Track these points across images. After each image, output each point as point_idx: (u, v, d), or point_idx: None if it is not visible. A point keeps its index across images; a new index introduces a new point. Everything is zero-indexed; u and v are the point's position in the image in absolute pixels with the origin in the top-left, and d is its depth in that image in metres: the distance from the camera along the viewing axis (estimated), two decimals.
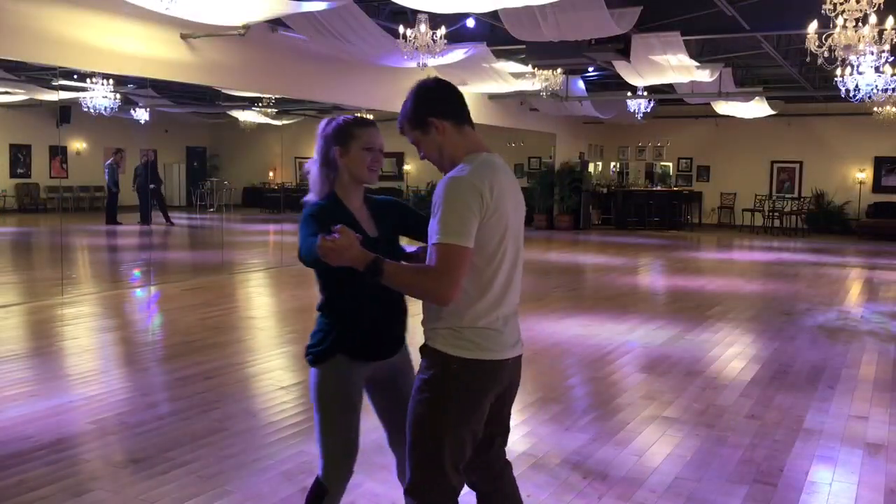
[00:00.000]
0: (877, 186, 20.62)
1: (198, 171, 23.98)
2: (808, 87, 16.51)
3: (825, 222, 20.70)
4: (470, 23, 11.13)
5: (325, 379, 2.79)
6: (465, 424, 2.51)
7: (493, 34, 11.73)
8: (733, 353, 7.15)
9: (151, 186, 19.14)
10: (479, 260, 2.45)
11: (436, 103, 2.56)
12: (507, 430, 2.77)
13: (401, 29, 9.52)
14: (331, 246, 2.36)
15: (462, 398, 2.50)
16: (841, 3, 7.54)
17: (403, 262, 2.59)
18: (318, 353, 2.79)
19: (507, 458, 2.83)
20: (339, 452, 2.82)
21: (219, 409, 5.19)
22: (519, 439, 4.74)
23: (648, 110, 17.69)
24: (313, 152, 2.85)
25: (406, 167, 24.81)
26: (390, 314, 2.84)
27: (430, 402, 2.51)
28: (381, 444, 4.56)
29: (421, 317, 2.62)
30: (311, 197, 2.82)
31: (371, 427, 4.85)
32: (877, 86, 10.77)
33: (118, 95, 15.23)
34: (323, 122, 2.84)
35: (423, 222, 2.66)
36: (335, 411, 2.80)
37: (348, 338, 2.76)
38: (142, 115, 17.47)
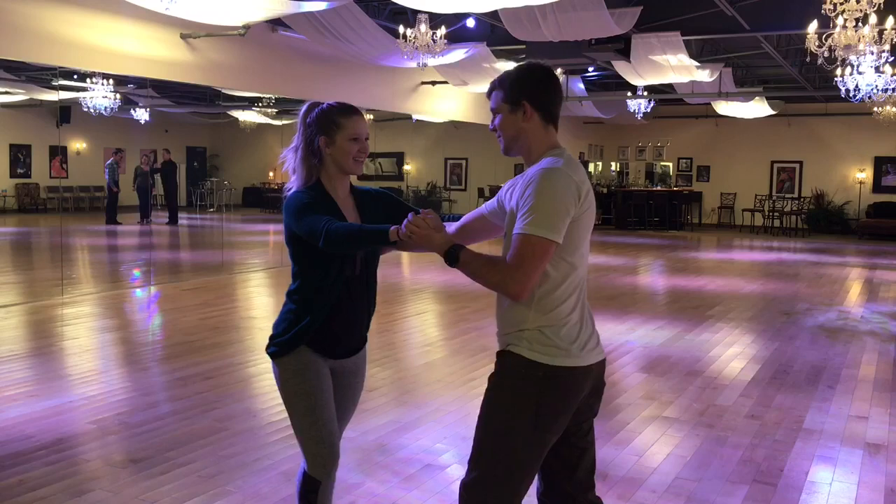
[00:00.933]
0: (877, 186, 20.62)
1: (198, 171, 23.96)
2: (808, 87, 16.52)
3: (825, 222, 20.71)
4: (470, 23, 11.13)
5: (291, 371, 2.70)
6: (545, 433, 2.37)
7: (493, 34, 11.74)
8: (733, 353, 7.15)
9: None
10: (570, 257, 2.36)
11: (538, 91, 2.46)
12: (590, 446, 2.56)
13: (401, 29, 9.52)
14: (421, 224, 2.33)
15: (544, 406, 2.35)
16: (841, 3, 7.54)
17: (481, 252, 2.41)
18: (283, 342, 2.70)
19: (595, 493, 2.60)
20: (322, 444, 2.70)
21: (219, 409, 5.19)
22: None
23: (648, 110, 17.69)
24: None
25: (406, 167, 24.81)
26: (357, 314, 2.76)
27: (508, 409, 2.36)
28: (382, 443, 4.57)
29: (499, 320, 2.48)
30: (293, 185, 2.72)
31: (371, 427, 4.86)
32: (877, 86, 10.77)
33: (118, 95, 15.23)
34: (304, 107, 2.73)
35: (407, 211, 2.63)
36: (306, 405, 2.70)
37: (314, 330, 2.68)
38: (142, 115, 17.48)
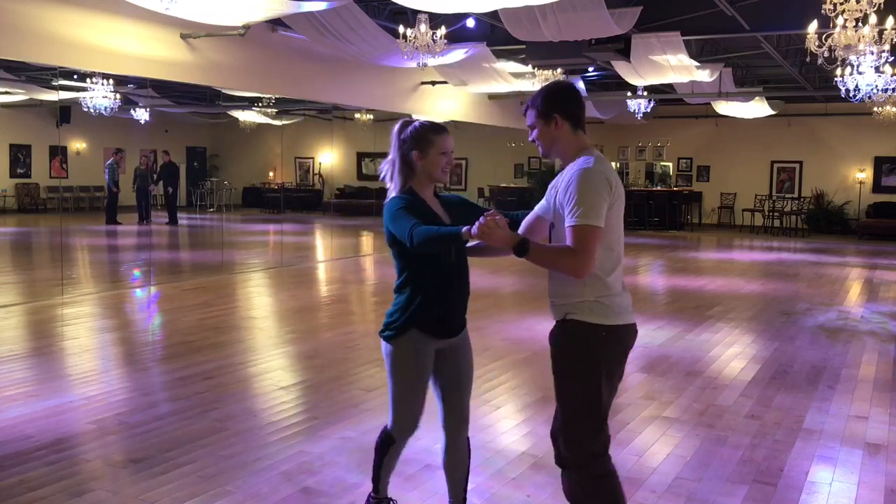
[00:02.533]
0: (877, 186, 20.61)
1: (198, 171, 23.99)
2: (808, 87, 16.51)
3: (825, 222, 20.70)
4: (470, 23, 11.13)
5: (400, 352, 3.15)
6: (610, 381, 2.94)
7: (493, 34, 11.73)
8: (733, 353, 7.15)
9: (170, 190, 19.28)
10: (609, 239, 2.86)
11: (564, 104, 2.99)
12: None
13: (401, 29, 9.52)
14: (491, 224, 2.72)
15: (611, 359, 2.92)
16: (841, 3, 7.54)
17: (544, 244, 2.95)
18: (396, 326, 3.15)
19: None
20: (409, 416, 3.23)
21: (219, 409, 5.19)
22: (519, 439, 4.74)
23: (648, 110, 17.68)
24: (389, 150, 3.20)
25: None
26: (460, 297, 3.21)
27: (582, 367, 2.89)
28: None
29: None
30: (392, 191, 3.19)
31: (371, 427, 4.86)
32: (877, 86, 10.76)
33: (118, 95, 15.23)
34: (397, 126, 3.19)
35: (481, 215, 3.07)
36: (408, 381, 3.18)
37: (423, 315, 3.11)
38: (142, 115, 17.48)
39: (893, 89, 11.20)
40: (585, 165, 2.86)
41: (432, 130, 3.15)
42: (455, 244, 2.97)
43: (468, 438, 3.38)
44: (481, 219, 2.75)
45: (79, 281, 10.97)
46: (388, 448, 3.33)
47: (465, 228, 2.78)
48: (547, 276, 3.04)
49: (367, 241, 18.02)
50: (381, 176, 3.24)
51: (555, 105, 2.99)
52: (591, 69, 15.66)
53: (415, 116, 3.25)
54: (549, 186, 3.05)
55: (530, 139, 3.09)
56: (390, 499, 3.46)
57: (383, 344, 3.21)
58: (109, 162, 18.29)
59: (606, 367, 2.92)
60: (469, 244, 3.08)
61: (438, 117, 16.86)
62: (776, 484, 4.15)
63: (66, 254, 13.30)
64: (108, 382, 5.82)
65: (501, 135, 21.00)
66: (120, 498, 3.79)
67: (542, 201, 3.08)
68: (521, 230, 3.13)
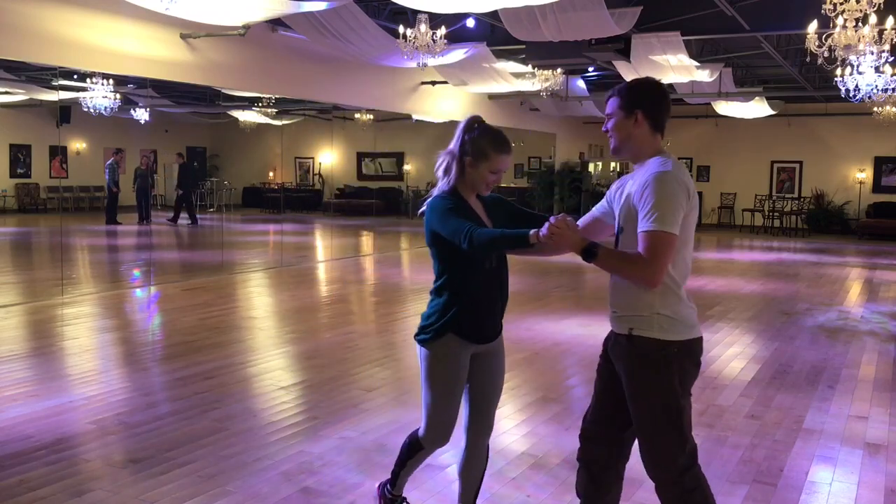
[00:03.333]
0: (877, 186, 20.62)
1: (198, 171, 24.00)
2: (808, 87, 16.51)
3: (825, 222, 20.70)
4: (470, 23, 11.12)
5: (437, 356, 3.09)
6: (687, 395, 2.88)
7: (493, 34, 11.73)
8: (733, 353, 7.15)
9: (179, 192, 19.37)
10: (683, 249, 2.78)
11: (651, 102, 2.85)
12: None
13: (401, 29, 9.51)
14: (562, 226, 2.66)
15: (684, 374, 2.85)
16: (841, 3, 7.54)
17: (614, 248, 2.85)
18: (433, 330, 3.08)
19: None
20: (442, 423, 3.15)
21: (219, 409, 5.19)
22: (519, 439, 4.74)
23: None
24: (450, 143, 3.09)
25: (406, 167, 24.82)
26: (496, 302, 3.13)
27: (659, 387, 2.80)
28: (382, 443, 4.57)
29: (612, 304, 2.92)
30: (440, 187, 3.09)
31: (371, 427, 4.86)
32: (877, 86, 10.76)
33: (118, 95, 15.21)
34: (466, 121, 3.08)
35: (524, 215, 3.19)
36: (443, 387, 3.11)
37: (460, 318, 3.04)
38: (142, 115, 17.46)
39: (893, 89, 11.20)
40: (664, 169, 2.73)
41: (493, 146, 3.04)
42: (521, 247, 2.86)
43: (488, 447, 3.34)
44: (552, 219, 2.70)
45: (79, 281, 10.96)
46: (414, 453, 3.28)
47: (532, 231, 2.72)
48: (609, 280, 2.95)
49: (367, 241, 18.01)
50: (437, 165, 3.13)
51: (640, 101, 2.85)
52: (591, 69, 15.66)
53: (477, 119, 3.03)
54: (614, 186, 2.95)
55: (604, 129, 2.95)
56: (404, 498, 3.46)
57: (419, 348, 3.15)
58: (109, 162, 18.28)
59: (681, 382, 2.84)
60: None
61: (438, 117, 16.90)
62: (776, 484, 4.15)
63: (66, 254, 13.30)
64: (108, 382, 5.82)
65: None
66: (120, 498, 3.79)
67: (602, 202, 2.99)
68: (581, 225, 3.04)
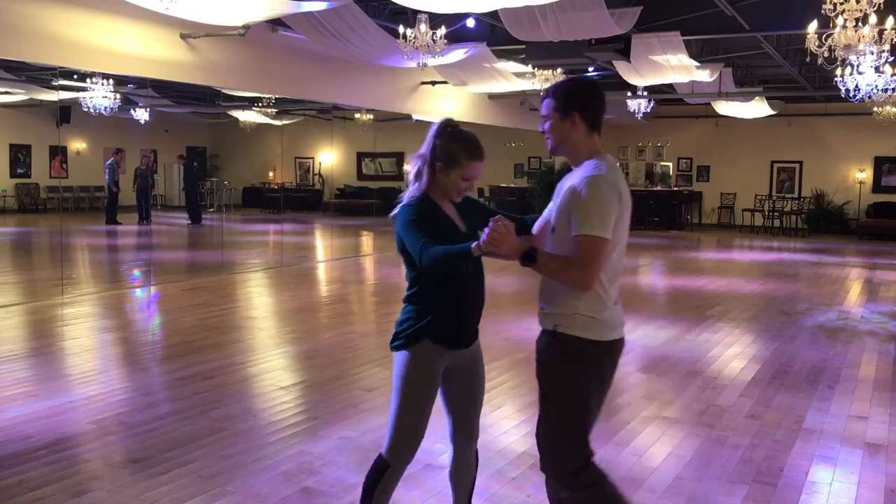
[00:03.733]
0: (877, 186, 20.60)
1: (198, 172, 24.03)
2: (808, 87, 16.51)
3: (825, 222, 20.69)
4: (470, 23, 11.12)
5: (411, 363, 2.96)
6: (598, 397, 2.88)
7: (493, 34, 11.73)
8: (733, 353, 7.15)
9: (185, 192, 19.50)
10: (612, 252, 2.77)
11: (586, 103, 2.84)
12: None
13: (401, 29, 9.51)
14: (502, 230, 2.64)
15: (601, 375, 2.86)
16: (841, 3, 7.53)
17: (552, 252, 2.84)
18: (407, 336, 2.97)
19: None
20: (410, 434, 2.99)
21: (219, 409, 5.19)
22: (519, 439, 4.74)
23: (648, 110, 17.68)
24: (420, 147, 3.01)
25: (406, 167, 24.81)
26: (472, 307, 3.05)
27: (574, 384, 2.81)
28: (382, 443, 4.56)
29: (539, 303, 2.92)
30: (410, 193, 3.01)
31: (371, 427, 4.86)
32: (877, 86, 10.76)
33: (118, 95, 15.23)
34: (439, 125, 2.98)
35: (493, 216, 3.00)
36: (414, 395, 2.97)
37: (436, 324, 2.94)
38: (142, 115, 17.48)
39: (893, 89, 11.20)
40: (597, 173, 2.73)
41: (466, 152, 2.94)
42: (467, 262, 2.81)
43: (477, 451, 3.29)
44: (487, 229, 2.65)
45: (79, 281, 10.96)
46: (380, 477, 3.02)
47: (474, 244, 2.69)
48: (540, 277, 2.93)
49: (367, 241, 18.01)
50: (411, 170, 3.07)
51: (575, 102, 2.83)
52: (591, 69, 15.65)
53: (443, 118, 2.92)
54: (557, 187, 2.95)
55: (541, 129, 2.93)
56: None
57: (394, 356, 3.03)
58: (110, 162, 18.30)
59: (598, 383, 2.86)
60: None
61: (438, 117, 16.88)
62: (776, 484, 4.15)
63: (66, 254, 13.30)
64: (108, 382, 5.82)
65: (501, 135, 20.97)
66: (120, 498, 3.79)
67: (551, 203, 2.96)
68: (535, 231, 3.07)
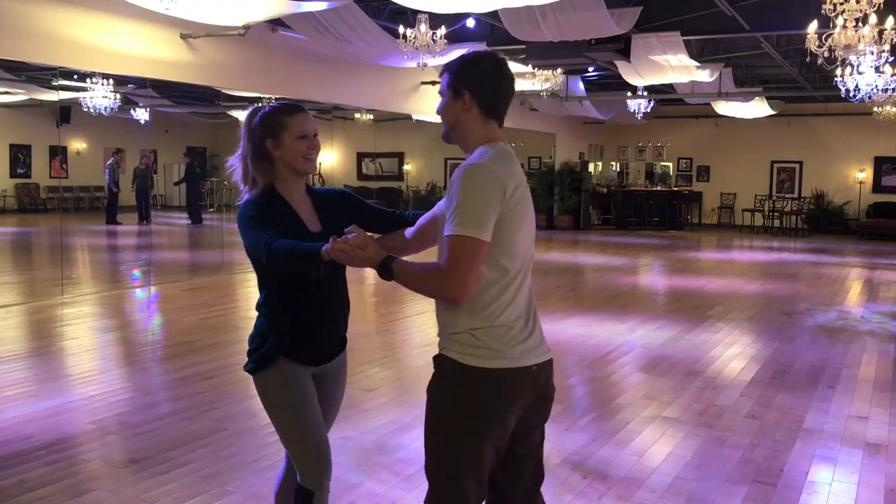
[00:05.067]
0: (877, 186, 20.61)
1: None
2: (808, 87, 16.51)
3: (825, 222, 20.69)
4: (470, 23, 11.12)
5: (272, 384, 2.65)
6: (486, 437, 2.28)
7: (493, 34, 11.72)
8: (733, 353, 7.15)
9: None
10: (501, 257, 2.26)
11: (480, 82, 2.35)
12: (537, 450, 2.47)
13: (401, 29, 9.52)
14: (343, 248, 2.26)
15: (482, 411, 2.26)
16: (841, 3, 7.53)
17: (414, 261, 2.33)
18: (259, 358, 2.65)
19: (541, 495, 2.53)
20: (312, 455, 2.64)
21: (219, 409, 5.19)
22: None
23: (648, 110, 17.68)
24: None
25: (406, 167, 24.81)
26: (334, 315, 2.71)
27: (446, 417, 2.30)
28: (382, 443, 4.57)
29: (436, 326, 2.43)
30: (244, 194, 2.70)
31: (371, 427, 4.86)
32: (877, 86, 10.76)
33: (118, 95, 15.22)
34: (247, 113, 2.71)
35: (378, 215, 2.75)
36: (292, 415, 2.64)
37: (290, 340, 2.62)
38: (142, 115, 17.47)
39: (893, 89, 11.20)
40: (478, 161, 2.25)
41: (284, 112, 2.62)
42: (314, 264, 2.43)
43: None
44: (331, 239, 2.29)
45: (79, 281, 10.96)
46: None
47: (325, 248, 2.30)
48: None
49: None
50: (234, 176, 2.73)
51: (468, 80, 2.34)
52: (591, 69, 15.66)
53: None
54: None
55: (436, 110, 2.47)
56: None
57: (253, 380, 2.70)
58: (110, 162, 18.28)
59: (478, 421, 2.26)
60: (378, 237, 2.65)
61: (438, 117, 16.90)
62: (776, 484, 4.15)
63: (66, 254, 13.30)
64: (108, 382, 5.82)
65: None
66: (120, 498, 3.79)
67: (444, 198, 2.38)
68: (410, 234, 2.64)
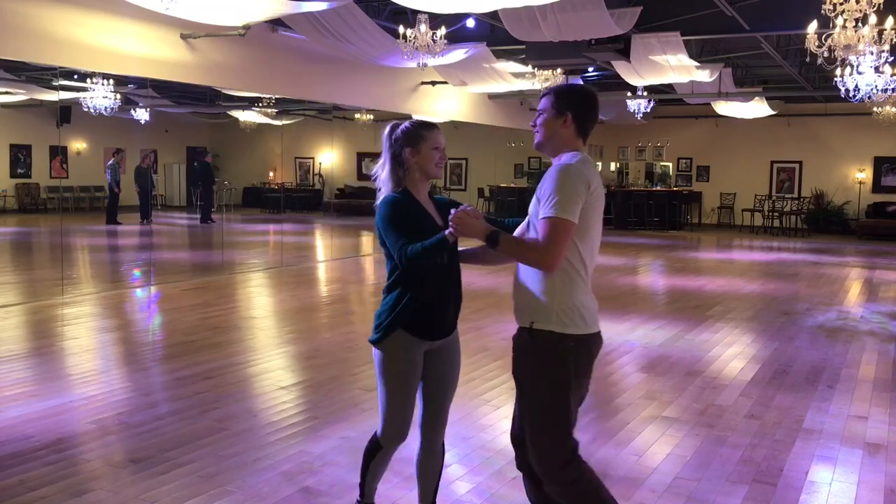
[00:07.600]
0: (876, 186, 20.61)
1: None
2: (807, 87, 16.51)
3: (825, 222, 20.70)
4: (470, 23, 11.13)
5: (387, 354, 3.13)
6: (578, 390, 2.93)
7: (493, 34, 11.73)
8: (733, 353, 7.15)
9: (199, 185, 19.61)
10: (581, 242, 2.85)
11: (582, 109, 2.97)
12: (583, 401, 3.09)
13: (401, 29, 9.52)
14: (463, 216, 2.85)
15: (578, 369, 2.90)
16: (841, 3, 7.54)
17: (515, 236, 2.99)
18: (382, 328, 3.13)
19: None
20: (398, 420, 3.20)
21: (219, 409, 5.19)
22: None
23: (648, 110, 17.69)
24: (380, 155, 3.23)
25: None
26: (448, 299, 3.17)
27: (551, 379, 2.87)
28: None
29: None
30: (384, 193, 3.19)
31: (371, 427, 4.83)
32: (876, 86, 10.76)
33: (118, 95, 15.22)
34: (388, 128, 3.22)
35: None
36: (397, 385, 3.15)
37: (410, 315, 3.08)
38: (142, 115, 17.47)
39: (893, 89, 11.20)
40: (568, 161, 2.86)
41: (423, 127, 3.18)
42: (443, 250, 3.00)
43: (443, 443, 3.39)
44: (452, 211, 2.88)
45: (79, 281, 10.97)
46: (375, 454, 3.33)
47: (447, 232, 2.89)
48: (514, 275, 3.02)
49: (367, 240, 18.01)
50: (374, 178, 3.26)
51: (573, 104, 2.97)
52: (591, 69, 15.66)
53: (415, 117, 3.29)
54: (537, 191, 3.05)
55: (531, 123, 3.07)
56: None
57: (373, 347, 3.20)
58: (111, 162, 18.29)
59: (575, 378, 2.90)
60: (462, 249, 3.20)
61: (438, 117, 16.89)
62: (776, 484, 4.15)
63: (67, 254, 13.30)
64: (108, 382, 5.82)
65: (501, 135, 20.97)
66: (120, 498, 3.79)
67: (531, 206, 3.05)
68: (516, 233, 3.14)
